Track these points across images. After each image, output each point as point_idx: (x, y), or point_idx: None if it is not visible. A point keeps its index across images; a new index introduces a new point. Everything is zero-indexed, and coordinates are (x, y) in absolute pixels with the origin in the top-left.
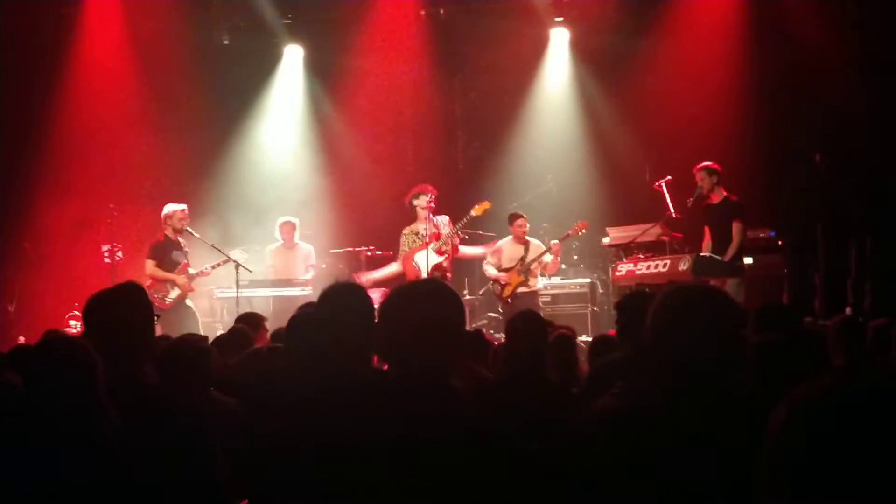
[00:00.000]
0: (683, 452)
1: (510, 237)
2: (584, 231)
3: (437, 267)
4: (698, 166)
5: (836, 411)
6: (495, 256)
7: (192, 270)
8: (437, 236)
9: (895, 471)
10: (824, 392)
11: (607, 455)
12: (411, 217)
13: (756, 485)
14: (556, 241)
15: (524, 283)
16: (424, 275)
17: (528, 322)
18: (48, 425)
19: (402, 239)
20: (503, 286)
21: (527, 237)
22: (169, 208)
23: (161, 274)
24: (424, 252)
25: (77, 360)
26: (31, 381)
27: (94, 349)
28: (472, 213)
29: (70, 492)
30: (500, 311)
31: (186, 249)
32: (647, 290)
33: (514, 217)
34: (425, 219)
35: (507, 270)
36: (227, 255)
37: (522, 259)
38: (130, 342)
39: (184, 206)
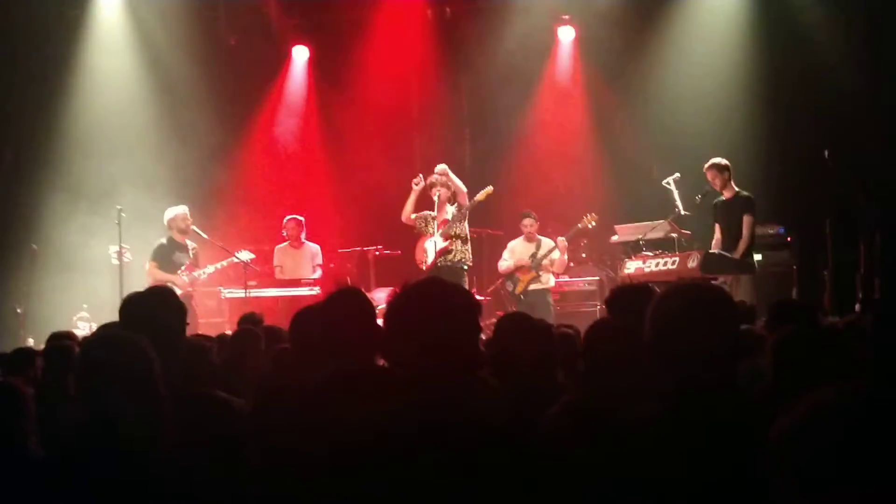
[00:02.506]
0: (680, 454)
1: (522, 236)
2: (593, 223)
3: (443, 250)
4: (708, 164)
5: (854, 414)
6: (510, 255)
7: (199, 272)
8: (446, 222)
9: None
10: (847, 394)
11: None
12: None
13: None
14: (563, 238)
15: (536, 279)
16: (430, 260)
17: (514, 320)
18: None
19: (416, 221)
20: (515, 283)
21: (538, 235)
22: (171, 212)
23: (161, 275)
24: (432, 240)
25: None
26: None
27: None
28: (476, 199)
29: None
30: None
31: (191, 252)
32: (636, 283)
33: (521, 216)
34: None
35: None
36: (234, 256)
37: (533, 255)
38: (164, 341)
39: (184, 208)
